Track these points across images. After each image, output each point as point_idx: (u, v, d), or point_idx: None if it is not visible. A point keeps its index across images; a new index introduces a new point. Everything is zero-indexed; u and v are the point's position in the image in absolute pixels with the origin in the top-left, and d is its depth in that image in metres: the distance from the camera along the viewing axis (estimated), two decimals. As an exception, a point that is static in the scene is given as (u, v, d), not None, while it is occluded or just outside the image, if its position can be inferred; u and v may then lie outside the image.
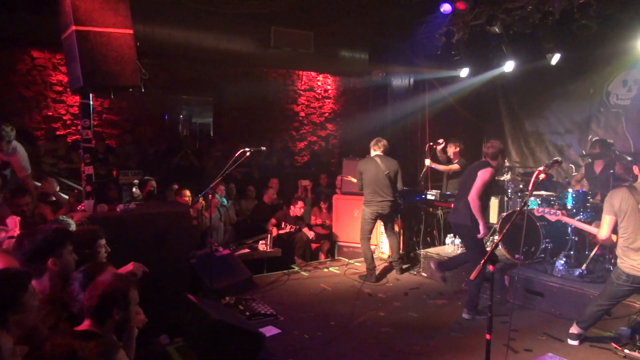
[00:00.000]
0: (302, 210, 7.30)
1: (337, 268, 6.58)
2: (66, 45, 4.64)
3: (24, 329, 1.97)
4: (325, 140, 11.58)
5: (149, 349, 3.59)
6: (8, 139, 4.97)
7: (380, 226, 6.69)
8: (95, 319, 2.25)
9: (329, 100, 11.66)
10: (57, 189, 5.65)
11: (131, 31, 4.59)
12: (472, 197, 4.55)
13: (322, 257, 7.23)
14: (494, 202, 7.70)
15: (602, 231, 3.80)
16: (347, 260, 6.97)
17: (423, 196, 6.87)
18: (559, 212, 4.33)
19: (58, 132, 8.47)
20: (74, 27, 4.30)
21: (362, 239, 5.98)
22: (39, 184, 5.44)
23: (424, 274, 6.21)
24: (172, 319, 4.08)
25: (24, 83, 8.35)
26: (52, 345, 1.81)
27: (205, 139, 10.56)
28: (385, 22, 8.49)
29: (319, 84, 11.48)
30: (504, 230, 3.15)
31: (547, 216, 4.37)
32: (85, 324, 2.27)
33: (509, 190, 6.47)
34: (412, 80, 8.84)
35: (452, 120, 8.74)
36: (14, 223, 3.26)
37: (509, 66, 7.34)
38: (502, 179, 6.59)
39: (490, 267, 2.92)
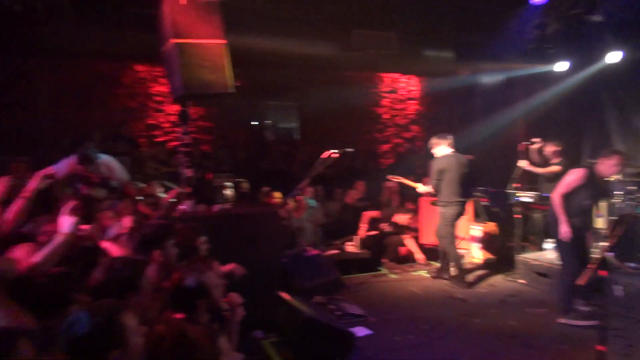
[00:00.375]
0: (408, 220, 7.20)
1: (426, 271, 6.41)
2: (167, 58, 5.00)
3: (140, 309, 2.14)
4: (410, 142, 11.39)
5: (245, 342, 3.74)
6: (94, 159, 5.20)
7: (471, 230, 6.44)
8: (187, 311, 2.39)
9: (413, 102, 11.46)
10: (159, 191, 6.09)
11: (224, 41, 4.86)
12: (553, 195, 4.46)
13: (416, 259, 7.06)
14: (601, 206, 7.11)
15: None
16: (435, 263, 6.78)
17: (517, 198, 6.48)
18: None
19: (157, 139, 9.14)
20: (173, 41, 4.63)
21: (448, 244, 5.76)
22: (144, 185, 5.90)
23: (521, 281, 5.85)
24: (265, 315, 4.21)
25: (128, 95, 9.13)
26: (165, 326, 1.94)
27: (291, 143, 10.83)
28: (472, 18, 8.18)
29: (403, 85, 11.33)
30: (614, 235, 2.89)
31: None
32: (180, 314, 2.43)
33: (618, 192, 5.90)
34: (501, 77, 8.42)
35: (547, 118, 8.19)
36: (128, 222, 3.57)
37: (613, 57, 6.74)
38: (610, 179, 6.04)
39: (602, 273, 2.70)
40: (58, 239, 2.37)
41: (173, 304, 2.47)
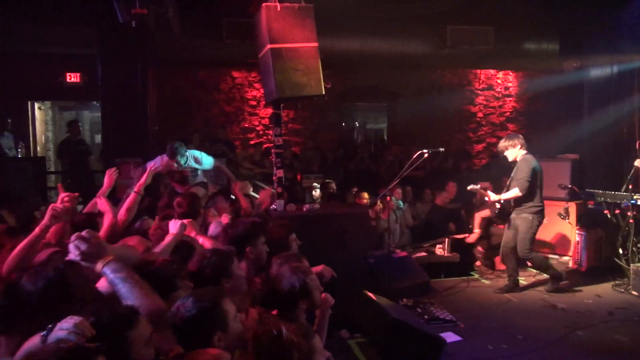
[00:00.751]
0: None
1: (523, 278, 6.03)
2: (262, 63, 5.22)
3: (236, 295, 2.28)
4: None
5: (331, 340, 3.79)
6: (181, 151, 5.44)
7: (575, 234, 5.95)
8: (283, 309, 2.48)
9: (510, 99, 10.84)
10: (250, 190, 6.36)
11: (316, 44, 4.96)
12: None
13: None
14: None
15: None
16: (533, 270, 6.35)
17: (633, 201, 5.85)
18: None
19: (251, 142, 9.59)
20: (269, 46, 4.82)
21: (530, 253, 5.34)
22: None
23: (634, 292, 5.28)
24: (351, 314, 4.23)
25: (226, 100, 9.69)
26: (264, 323, 2.04)
27: (380, 144, 10.79)
28: (578, 5, 7.55)
29: (499, 82, 10.77)
30: None
31: None
32: (275, 311, 2.53)
33: None
34: (615, 69, 7.66)
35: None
36: (226, 219, 3.81)
37: None
38: None
39: None
40: (168, 239, 2.75)
41: (270, 301, 2.57)
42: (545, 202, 6.35)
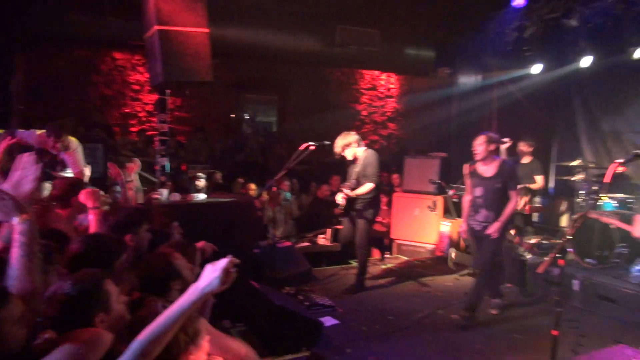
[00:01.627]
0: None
1: (394, 265, 6.55)
2: (148, 44, 4.98)
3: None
4: (387, 139, 11.53)
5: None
6: (65, 133, 4.78)
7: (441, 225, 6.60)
8: (157, 292, 2.44)
9: (391, 100, 11.59)
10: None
11: (207, 30, 4.87)
12: None
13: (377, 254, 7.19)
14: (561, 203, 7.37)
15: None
16: (404, 257, 6.94)
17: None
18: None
19: (133, 129, 9.05)
20: (157, 27, 4.62)
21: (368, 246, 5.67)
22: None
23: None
24: (235, 304, 4.25)
25: (105, 82, 9.01)
26: (144, 307, 2.00)
27: (269, 136, 10.85)
28: (453, 19, 8.33)
29: (382, 83, 11.45)
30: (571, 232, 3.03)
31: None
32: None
33: (582, 192, 6.13)
34: (479, 77, 8.60)
35: (521, 118, 8.40)
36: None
37: (585, 61, 6.96)
38: (573, 179, 6.27)
39: (561, 262, 2.85)
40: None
41: (145, 287, 2.50)
42: (417, 195, 6.95)
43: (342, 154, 5.39)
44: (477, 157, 4.48)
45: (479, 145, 4.45)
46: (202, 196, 5.00)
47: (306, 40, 8.53)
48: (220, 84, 8.93)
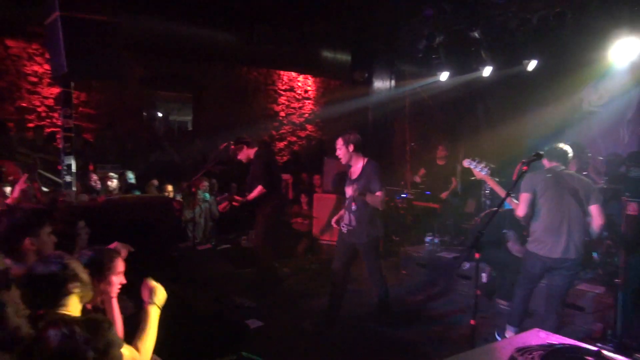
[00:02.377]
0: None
1: (318, 265, 6.61)
2: (49, 32, 4.56)
3: None
4: (306, 140, 11.63)
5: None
6: None
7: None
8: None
9: (309, 101, 11.72)
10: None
11: (117, 20, 4.56)
12: None
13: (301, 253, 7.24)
14: (470, 203, 7.92)
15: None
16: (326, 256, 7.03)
17: (404, 195, 6.99)
18: (487, 169, 3.94)
19: (30, 124, 8.23)
20: (58, 13, 4.24)
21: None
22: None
23: (403, 271, 6.29)
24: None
25: (-5, 72, 8.11)
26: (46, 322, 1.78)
27: (184, 135, 10.46)
28: (369, 24, 8.61)
29: (300, 84, 11.53)
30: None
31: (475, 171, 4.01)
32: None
33: (487, 192, 6.63)
34: (393, 82, 8.97)
35: (430, 121, 8.92)
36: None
37: (486, 71, 7.55)
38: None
39: (477, 255, 3.03)
40: None
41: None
42: (334, 195, 7.07)
43: (238, 158, 5.35)
44: (342, 162, 4.24)
45: (339, 149, 4.18)
46: (114, 197, 4.67)
47: (223, 36, 8.31)
48: (131, 79, 8.44)
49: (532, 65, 7.04)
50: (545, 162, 3.85)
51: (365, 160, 4.24)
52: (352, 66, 9.33)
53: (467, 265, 5.42)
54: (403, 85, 8.99)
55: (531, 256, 3.76)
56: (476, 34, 7.05)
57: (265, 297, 5.08)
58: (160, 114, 10.40)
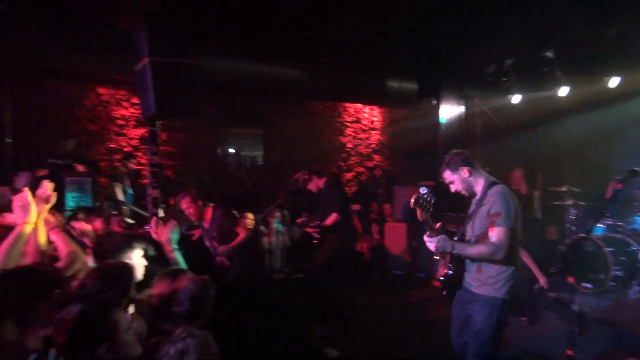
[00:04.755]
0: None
1: (390, 295, 6.47)
2: (139, 76, 4.96)
3: None
4: (372, 170, 11.62)
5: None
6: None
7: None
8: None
9: (375, 132, 11.77)
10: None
11: (197, 62, 4.89)
12: None
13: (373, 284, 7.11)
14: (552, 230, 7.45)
15: None
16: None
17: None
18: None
19: (117, 164, 8.89)
20: (148, 59, 4.62)
21: None
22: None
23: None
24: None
25: (89, 118, 8.90)
26: None
27: (256, 170, 10.82)
28: (435, 52, 8.60)
29: (366, 115, 11.64)
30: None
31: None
32: None
33: (571, 217, 6.24)
34: (462, 107, 8.83)
35: (504, 146, 8.60)
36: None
37: (562, 91, 7.24)
38: (562, 203, 6.39)
39: (570, 279, 2.85)
40: None
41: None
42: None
43: (308, 188, 5.56)
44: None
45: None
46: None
47: (292, 72, 8.63)
48: (207, 117, 8.93)
49: (614, 82, 6.67)
50: None
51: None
52: (419, 94, 9.32)
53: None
54: (472, 109, 8.81)
55: None
56: (549, 54, 6.83)
57: (342, 326, 5.03)
58: (232, 150, 10.85)
